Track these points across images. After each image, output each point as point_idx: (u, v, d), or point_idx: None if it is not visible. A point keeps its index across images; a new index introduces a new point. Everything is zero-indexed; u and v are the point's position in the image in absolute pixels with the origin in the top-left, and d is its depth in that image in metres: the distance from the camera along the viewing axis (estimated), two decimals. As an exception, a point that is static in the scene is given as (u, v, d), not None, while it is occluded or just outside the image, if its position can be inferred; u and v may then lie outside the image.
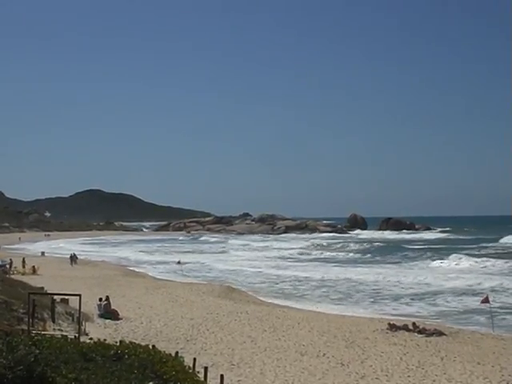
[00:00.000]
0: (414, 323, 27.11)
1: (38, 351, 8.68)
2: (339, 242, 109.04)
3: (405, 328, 26.41)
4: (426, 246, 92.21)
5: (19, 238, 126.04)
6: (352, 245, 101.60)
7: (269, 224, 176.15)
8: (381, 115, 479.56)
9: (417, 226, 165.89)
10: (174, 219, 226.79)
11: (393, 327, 26.55)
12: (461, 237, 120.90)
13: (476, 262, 62.65)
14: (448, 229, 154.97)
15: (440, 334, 25.60)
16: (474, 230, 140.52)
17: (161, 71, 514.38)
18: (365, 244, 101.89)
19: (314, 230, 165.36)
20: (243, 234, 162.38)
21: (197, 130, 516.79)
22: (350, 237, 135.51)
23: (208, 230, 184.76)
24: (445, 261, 64.48)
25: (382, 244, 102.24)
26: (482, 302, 29.55)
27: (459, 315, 32.84)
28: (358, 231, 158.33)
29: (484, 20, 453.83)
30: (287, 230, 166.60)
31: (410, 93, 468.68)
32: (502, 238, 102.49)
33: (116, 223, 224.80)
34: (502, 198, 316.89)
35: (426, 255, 74.11)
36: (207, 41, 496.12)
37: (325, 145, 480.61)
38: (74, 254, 64.59)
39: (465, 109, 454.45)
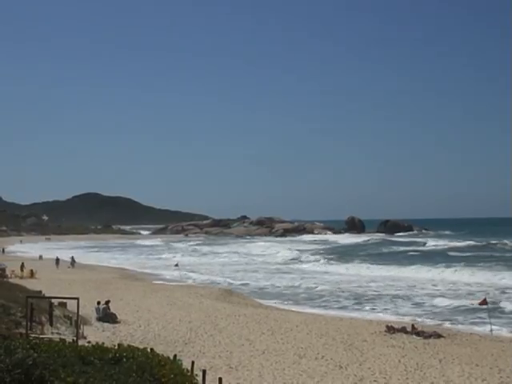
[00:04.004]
0: (412, 325, 27.13)
1: (36, 355, 8.70)
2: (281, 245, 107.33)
3: (403, 330, 26.44)
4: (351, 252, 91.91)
5: (20, 241, 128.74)
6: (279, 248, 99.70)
7: (267, 227, 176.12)
8: (382, 119, 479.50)
9: (414, 229, 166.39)
10: (172, 222, 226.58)
11: (391, 329, 26.57)
12: (405, 240, 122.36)
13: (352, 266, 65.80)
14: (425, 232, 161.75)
15: (438, 336, 25.63)
16: (453, 234, 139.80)
17: (159, 74, 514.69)
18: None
19: (311, 232, 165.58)
20: (241, 236, 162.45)
21: (195, 132, 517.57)
22: (294, 240, 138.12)
23: (206, 232, 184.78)
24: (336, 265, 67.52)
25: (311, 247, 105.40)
26: (480, 303, 29.58)
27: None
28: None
29: (480, 20, 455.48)
30: (285, 232, 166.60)
31: (411, 96, 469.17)
32: (427, 242, 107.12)
33: (114, 226, 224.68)
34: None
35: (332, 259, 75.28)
36: (207, 45, 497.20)
37: (325, 147, 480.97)
38: (72, 258, 65.85)
39: (475, 112, 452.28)
